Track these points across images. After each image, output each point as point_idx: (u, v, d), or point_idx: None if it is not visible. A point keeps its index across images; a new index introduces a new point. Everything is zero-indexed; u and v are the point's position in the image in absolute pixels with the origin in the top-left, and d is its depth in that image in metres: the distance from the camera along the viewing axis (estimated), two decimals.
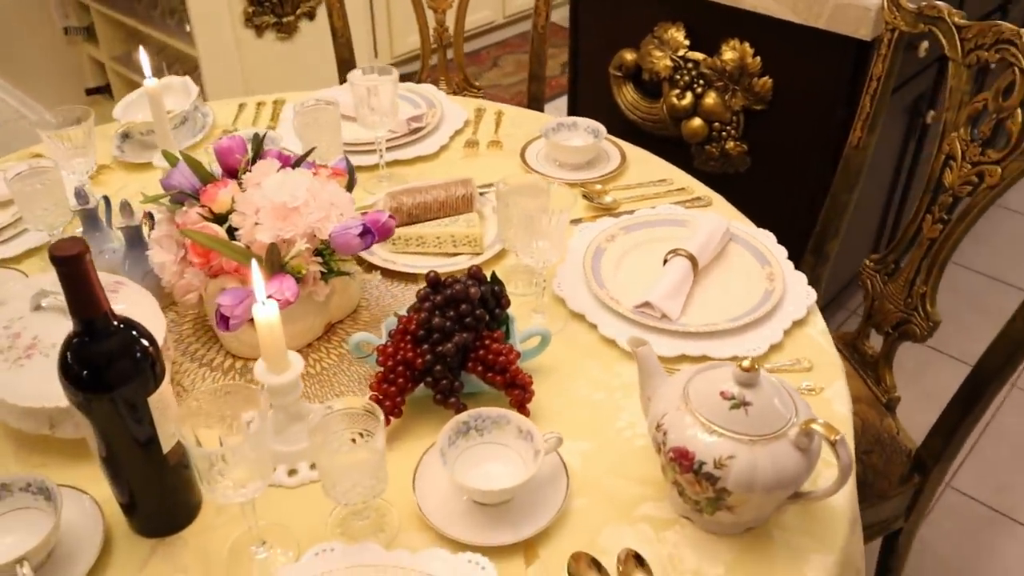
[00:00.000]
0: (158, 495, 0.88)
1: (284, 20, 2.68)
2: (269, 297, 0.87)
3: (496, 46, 3.95)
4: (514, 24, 3.96)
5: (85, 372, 0.77)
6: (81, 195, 1.17)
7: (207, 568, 0.86)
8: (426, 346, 0.98)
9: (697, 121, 1.87)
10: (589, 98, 2.16)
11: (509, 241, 1.15)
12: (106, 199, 1.21)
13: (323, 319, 1.13)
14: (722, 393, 0.85)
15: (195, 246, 1.02)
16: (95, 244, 1.19)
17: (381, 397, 0.97)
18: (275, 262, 1.01)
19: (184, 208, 1.07)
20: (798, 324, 1.15)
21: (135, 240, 1.15)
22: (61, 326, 0.97)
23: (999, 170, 1.24)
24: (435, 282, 1.01)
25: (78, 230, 1.21)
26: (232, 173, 1.10)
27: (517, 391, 0.99)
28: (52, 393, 0.93)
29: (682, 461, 0.84)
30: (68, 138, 1.28)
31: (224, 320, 0.98)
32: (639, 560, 0.86)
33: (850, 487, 0.93)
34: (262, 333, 0.87)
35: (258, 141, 1.14)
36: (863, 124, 1.46)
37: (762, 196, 1.72)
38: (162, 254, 1.07)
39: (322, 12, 2.79)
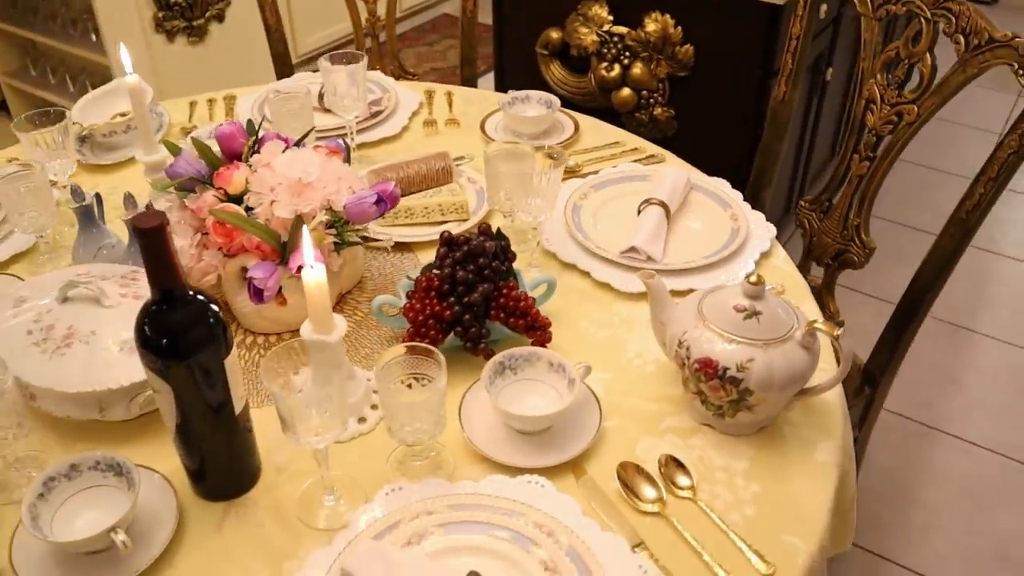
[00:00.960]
0: (228, 459, 0.92)
1: (194, 24, 2.65)
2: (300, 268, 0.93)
3: (398, 38, 3.99)
4: (412, 17, 4.02)
5: (164, 340, 0.81)
6: (77, 192, 1.18)
7: (282, 521, 0.92)
8: (452, 299, 1.06)
9: (626, 91, 2.00)
10: (517, 77, 2.25)
11: (499, 203, 1.23)
12: (97, 196, 1.22)
13: (335, 289, 1.18)
14: (735, 307, 0.96)
15: (217, 227, 1.05)
16: (92, 241, 1.21)
17: None
18: (298, 236, 1.06)
19: (196, 193, 1.11)
20: (764, 255, 1.28)
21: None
22: (93, 314, 1.01)
23: (916, 108, 1.41)
24: (450, 240, 1.09)
25: (74, 226, 1.22)
26: (235, 157, 1.14)
27: (538, 332, 1.08)
28: (99, 377, 0.97)
29: (707, 370, 0.95)
30: (45, 141, 1.28)
31: (258, 293, 1.03)
32: (677, 463, 0.97)
33: (839, 384, 1.06)
34: (311, 295, 0.92)
35: (253, 127, 1.18)
36: (787, 80, 1.62)
37: (691, 156, 1.86)
38: (177, 240, 1.10)
39: (231, 14, 2.78)
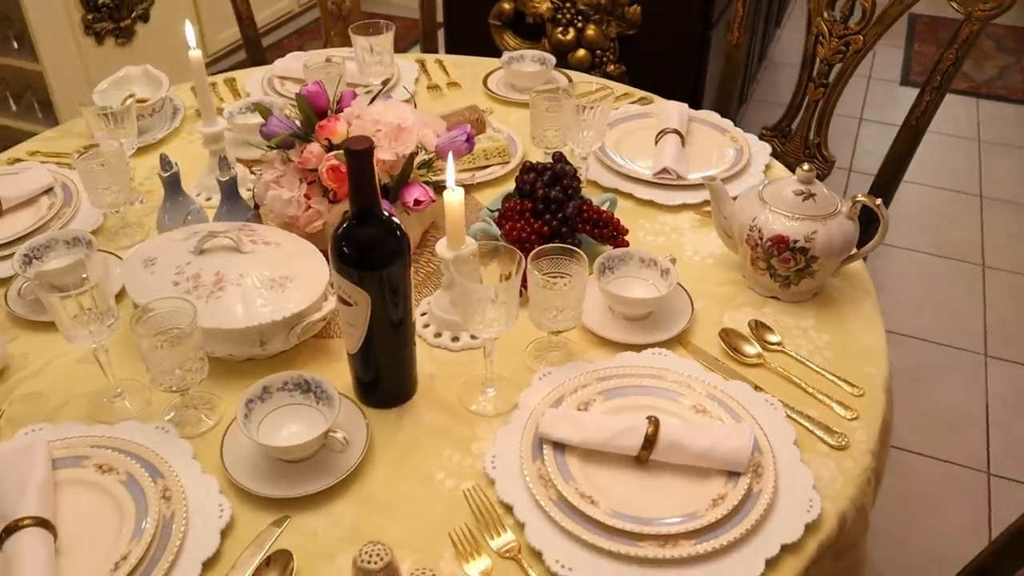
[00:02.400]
0: (402, 368, 1.04)
1: (122, 24, 2.63)
2: (417, 202, 1.07)
3: (297, 34, 4.03)
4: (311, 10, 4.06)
5: (362, 252, 0.93)
6: (166, 162, 1.24)
7: (453, 414, 1.04)
8: (547, 216, 1.21)
9: (582, 52, 2.19)
10: (471, 48, 2.38)
11: (547, 140, 1.38)
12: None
13: (421, 227, 1.31)
14: (794, 192, 1.17)
15: (331, 173, 1.16)
16: (179, 208, 1.27)
17: None
18: (407, 173, 1.18)
19: (297, 147, 1.20)
20: (767, 167, 1.50)
21: (232, 191, 1.25)
22: (233, 260, 1.10)
23: (861, 38, 1.66)
24: (534, 168, 1.24)
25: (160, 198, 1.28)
26: (322, 113, 1.24)
27: (620, 237, 1.24)
28: (260, 312, 1.06)
29: (779, 245, 1.15)
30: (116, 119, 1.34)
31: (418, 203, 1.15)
32: (764, 325, 1.16)
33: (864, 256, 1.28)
34: (450, 214, 1.05)
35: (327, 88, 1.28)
36: (739, 25, 1.85)
37: None
38: (286, 192, 1.19)
39: (156, 13, 2.76)
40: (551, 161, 1.26)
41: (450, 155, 1.04)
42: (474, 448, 1.00)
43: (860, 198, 1.16)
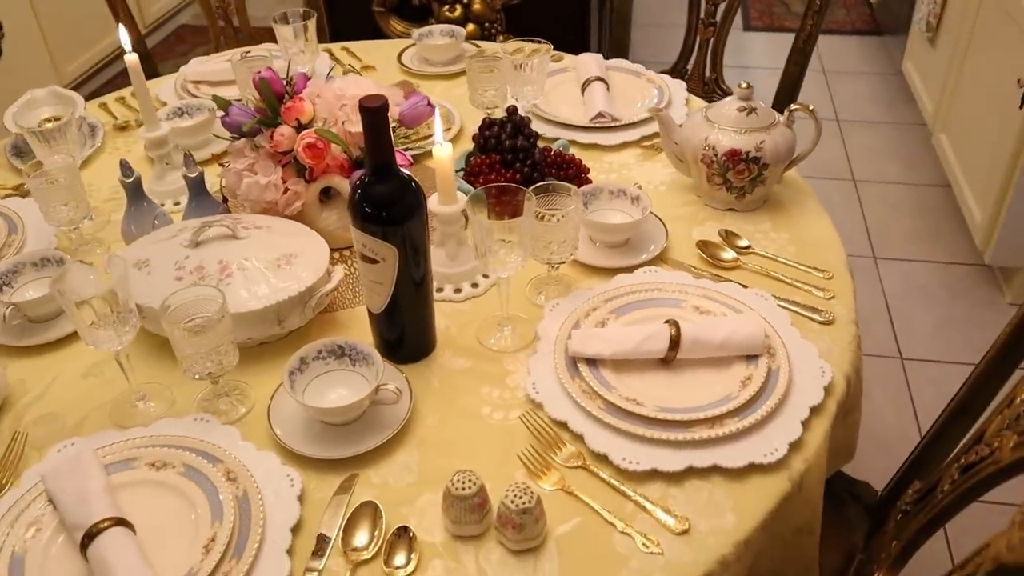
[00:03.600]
0: (425, 322, 1.07)
1: None
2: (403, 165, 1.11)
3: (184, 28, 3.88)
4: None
5: (383, 209, 0.96)
6: (127, 168, 1.22)
7: (478, 356, 1.08)
8: (517, 164, 1.27)
9: (471, 26, 2.25)
10: (358, 38, 2.40)
11: (487, 101, 1.44)
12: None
13: None
14: (737, 109, 1.28)
15: (308, 151, 1.17)
16: (143, 214, 1.25)
17: None
18: None
19: (265, 133, 1.20)
20: (687, 101, 1.61)
21: (200, 187, 1.24)
22: (231, 247, 1.11)
23: None
24: (492, 123, 1.30)
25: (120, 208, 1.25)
26: (279, 98, 1.25)
27: (583, 176, 1.32)
28: (274, 292, 1.07)
29: (733, 158, 1.26)
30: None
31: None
32: (731, 233, 1.27)
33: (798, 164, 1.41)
34: (441, 167, 1.10)
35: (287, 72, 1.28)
36: None
37: None
38: (263, 177, 1.20)
39: (6, 46, 2.61)
40: (506, 115, 1.32)
41: (436, 111, 1.08)
42: (509, 381, 1.05)
43: (794, 106, 1.29)
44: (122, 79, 3.57)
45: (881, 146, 3.04)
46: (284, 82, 1.25)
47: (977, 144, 2.38)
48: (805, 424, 0.97)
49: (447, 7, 2.24)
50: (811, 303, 1.15)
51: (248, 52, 1.53)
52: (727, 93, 1.93)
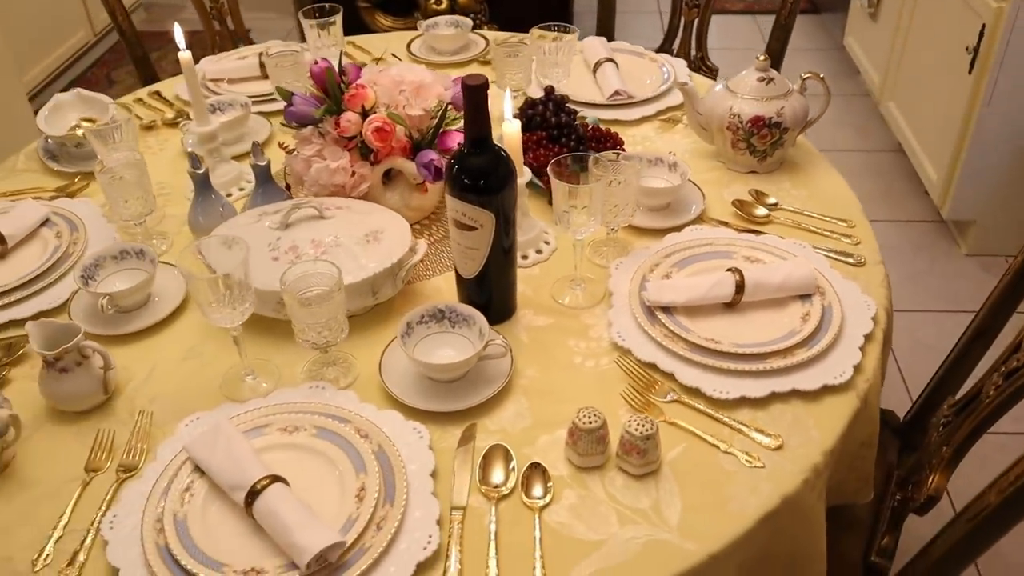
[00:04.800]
0: (510, 287, 1.16)
1: None
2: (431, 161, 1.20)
3: (99, 64, 3.82)
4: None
5: (481, 178, 1.04)
6: (195, 160, 1.27)
7: (558, 312, 1.18)
8: (563, 139, 1.36)
9: (422, 20, 2.32)
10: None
11: (516, 83, 1.53)
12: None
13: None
14: (757, 79, 1.40)
15: (376, 135, 1.24)
16: (211, 205, 1.30)
17: None
18: (441, 124, 1.29)
19: (329, 120, 1.27)
20: (691, 76, 1.73)
21: (266, 175, 1.29)
22: (320, 227, 1.19)
23: None
24: (534, 102, 1.39)
25: (189, 195, 1.30)
26: (334, 87, 1.31)
27: (619, 147, 1.42)
28: (367, 265, 1.14)
29: (757, 124, 1.38)
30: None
31: (437, 171, 1.25)
32: (760, 192, 1.39)
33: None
34: (510, 143, 1.18)
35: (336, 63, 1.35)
36: None
37: None
38: (332, 162, 1.26)
39: None
40: (544, 95, 1.42)
41: (507, 91, 1.17)
42: (592, 333, 1.15)
43: (806, 75, 1.42)
44: (87, 81, 3.51)
45: (831, 117, 3.21)
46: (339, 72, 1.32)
47: (927, 109, 2.58)
48: (862, 350, 1.10)
49: (432, 0, 2.31)
50: (841, 249, 1.28)
51: (269, 49, 1.58)
52: (713, 71, 2.06)
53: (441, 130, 1.30)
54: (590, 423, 0.94)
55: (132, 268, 1.23)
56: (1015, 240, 2.46)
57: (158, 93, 1.76)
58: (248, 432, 1.00)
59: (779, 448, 0.99)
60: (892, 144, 2.93)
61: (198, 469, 0.96)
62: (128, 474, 0.99)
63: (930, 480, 1.09)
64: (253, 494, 0.89)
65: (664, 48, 2.09)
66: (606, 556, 0.88)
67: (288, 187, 1.36)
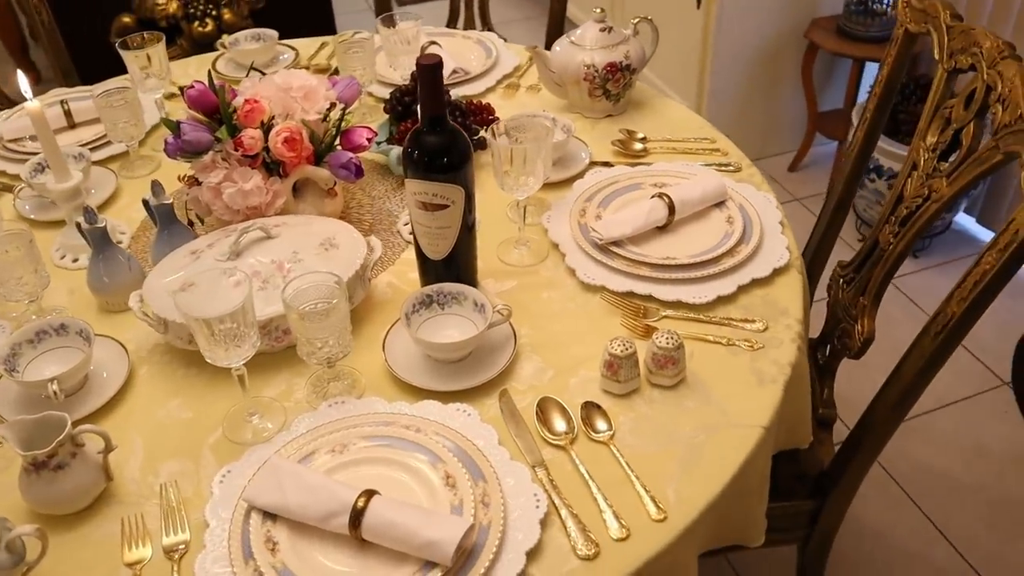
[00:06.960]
0: (474, 262, 1.18)
1: None
2: (368, 139, 1.22)
3: None
4: None
5: (443, 155, 1.05)
6: (90, 214, 1.14)
7: (511, 274, 1.22)
8: (451, 117, 1.39)
9: (225, 37, 2.22)
10: (102, 73, 2.23)
11: (361, 78, 1.54)
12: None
13: None
14: (599, 30, 1.52)
15: (287, 145, 1.19)
16: (109, 258, 1.17)
17: None
18: (340, 122, 1.27)
19: (226, 142, 1.20)
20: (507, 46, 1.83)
21: (170, 216, 1.19)
22: (271, 246, 1.15)
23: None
24: (404, 91, 1.41)
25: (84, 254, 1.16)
26: (212, 112, 1.24)
27: (493, 115, 1.48)
28: (340, 273, 1.11)
29: (612, 70, 1.51)
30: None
31: (358, 169, 1.23)
32: (629, 131, 1.52)
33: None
34: None
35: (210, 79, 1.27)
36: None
37: None
38: (244, 184, 1.19)
39: None
40: (412, 80, 1.44)
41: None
42: (558, 282, 1.21)
43: (635, 19, 1.57)
44: None
45: None
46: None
47: (663, 49, 2.89)
48: (783, 235, 1.27)
49: (197, 23, 2.18)
50: (718, 161, 1.44)
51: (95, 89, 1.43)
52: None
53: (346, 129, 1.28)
54: (627, 349, 1.01)
55: (55, 347, 1.09)
56: (758, 148, 2.85)
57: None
58: (300, 463, 0.94)
59: (765, 330, 1.12)
60: None
61: (269, 516, 0.89)
62: (180, 551, 0.89)
63: (858, 327, 1.29)
64: (357, 514, 0.86)
65: (450, 27, 2.16)
66: (687, 461, 0.96)
67: (191, 224, 1.26)
